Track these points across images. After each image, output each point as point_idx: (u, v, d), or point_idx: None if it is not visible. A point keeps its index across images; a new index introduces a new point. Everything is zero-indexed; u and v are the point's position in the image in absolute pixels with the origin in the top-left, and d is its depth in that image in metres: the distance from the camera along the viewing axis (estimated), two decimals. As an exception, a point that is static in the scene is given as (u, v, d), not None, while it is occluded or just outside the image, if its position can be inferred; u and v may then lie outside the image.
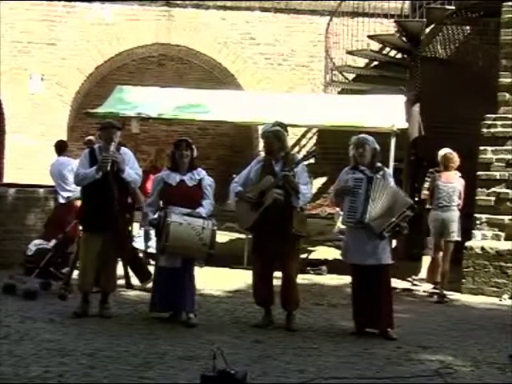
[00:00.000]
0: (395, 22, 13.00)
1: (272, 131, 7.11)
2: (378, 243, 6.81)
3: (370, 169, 6.92)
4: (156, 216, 7.07)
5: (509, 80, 10.46)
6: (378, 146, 7.04)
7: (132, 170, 7.17)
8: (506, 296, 9.31)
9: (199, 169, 7.22)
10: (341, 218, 7.62)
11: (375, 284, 6.84)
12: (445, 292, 9.24)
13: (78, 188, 7.60)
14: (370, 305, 6.83)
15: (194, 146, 7.23)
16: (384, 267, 6.88)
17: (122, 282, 8.47)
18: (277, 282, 7.19)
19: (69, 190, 9.41)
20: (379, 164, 7.02)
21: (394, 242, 9.56)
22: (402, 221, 6.80)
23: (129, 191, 7.31)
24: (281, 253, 6.94)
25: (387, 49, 13.64)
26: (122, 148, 7.31)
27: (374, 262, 6.81)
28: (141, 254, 10.63)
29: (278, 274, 7.16)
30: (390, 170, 7.23)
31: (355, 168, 6.97)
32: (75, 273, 7.92)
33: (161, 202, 7.20)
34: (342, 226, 10.96)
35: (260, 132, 7.23)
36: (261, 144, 14.56)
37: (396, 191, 6.93)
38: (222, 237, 12.23)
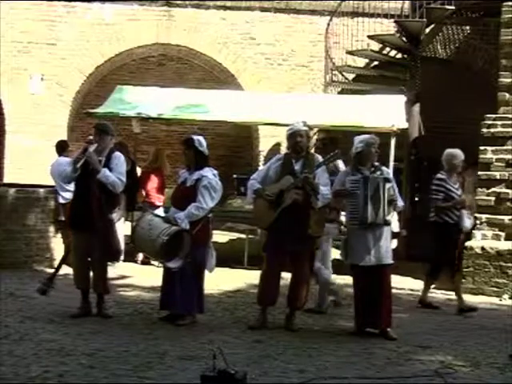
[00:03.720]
0: (395, 21, 13.00)
1: (304, 130, 7.08)
2: (380, 243, 6.82)
3: (369, 169, 6.94)
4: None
5: (509, 80, 10.46)
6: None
7: (114, 173, 7.12)
8: (506, 296, 9.31)
9: (206, 168, 7.05)
10: (343, 220, 7.60)
11: (377, 284, 6.84)
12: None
13: None
14: (371, 305, 6.83)
15: (198, 144, 7.07)
16: (385, 267, 6.89)
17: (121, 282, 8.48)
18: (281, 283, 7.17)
19: (68, 190, 9.40)
20: (377, 163, 7.04)
21: (395, 242, 9.57)
22: (389, 196, 6.81)
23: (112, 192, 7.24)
24: (295, 252, 6.92)
25: (387, 49, 13.65)
26: (116, 152, 7.33)
27: (376, 262, 6.82)
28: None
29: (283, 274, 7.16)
30: (388, 170, 7.21)
31: (354, 169, 6.98)
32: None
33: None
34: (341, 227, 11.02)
35: (290, 131, 7.13)
36: (261, 144, 14.65)
37: (378, 183, 6.85)
38: (222, 237, 12.25)
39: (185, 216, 6.83)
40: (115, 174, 7.11)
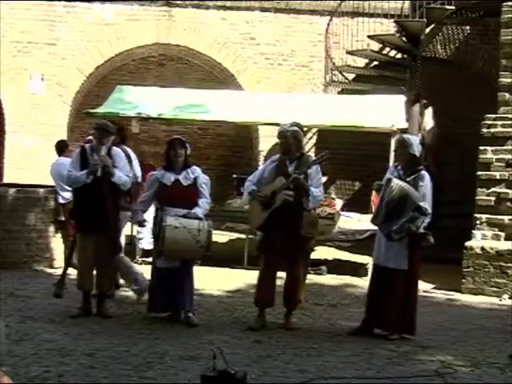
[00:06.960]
0: (395, 22, 13.00)
1: (290, 131, 7.05)
2: (393, 247, 6.67)
3: (404, 171, 6.77)
4: (145, 217, 7.34)
5: (509, 80, 10.45)
6: (417, 152, 6.75)
7: (122, 172, 7.21)
8: (505, 296, 9.31)
9: (194, 167, 7.21)
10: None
11: (389, 285, 6.73)
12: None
13: None
14: (380, 305, 6.77)
15: (187, 144, 7.22)
16: (399, 271, 6.71)
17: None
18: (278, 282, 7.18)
19: (68, 190, 9.40)
20: (420, 167, 6.77)
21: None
22: (411, 223, 6.52)
23: (121, 192, 7.35)
24: (288, 253, 6.92)
25: (387, 49, 13.65)
26: (114, 148, 7.38)
27: (384, 264, 6.75)
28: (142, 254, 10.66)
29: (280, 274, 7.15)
30: (426, 175, 6.76)
31: (396, 167, 6.88)
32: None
33: (154, 203, 7.28)
34: (342, 226, 11.02)
35: (278, 131, 7.21)
36: (261, 144, 14.65)
37: (406, 193, 6.57)
38: (222, 237, 12.25)
39: (202, 212, 7.00)
40: (123, 173, 7.23)
